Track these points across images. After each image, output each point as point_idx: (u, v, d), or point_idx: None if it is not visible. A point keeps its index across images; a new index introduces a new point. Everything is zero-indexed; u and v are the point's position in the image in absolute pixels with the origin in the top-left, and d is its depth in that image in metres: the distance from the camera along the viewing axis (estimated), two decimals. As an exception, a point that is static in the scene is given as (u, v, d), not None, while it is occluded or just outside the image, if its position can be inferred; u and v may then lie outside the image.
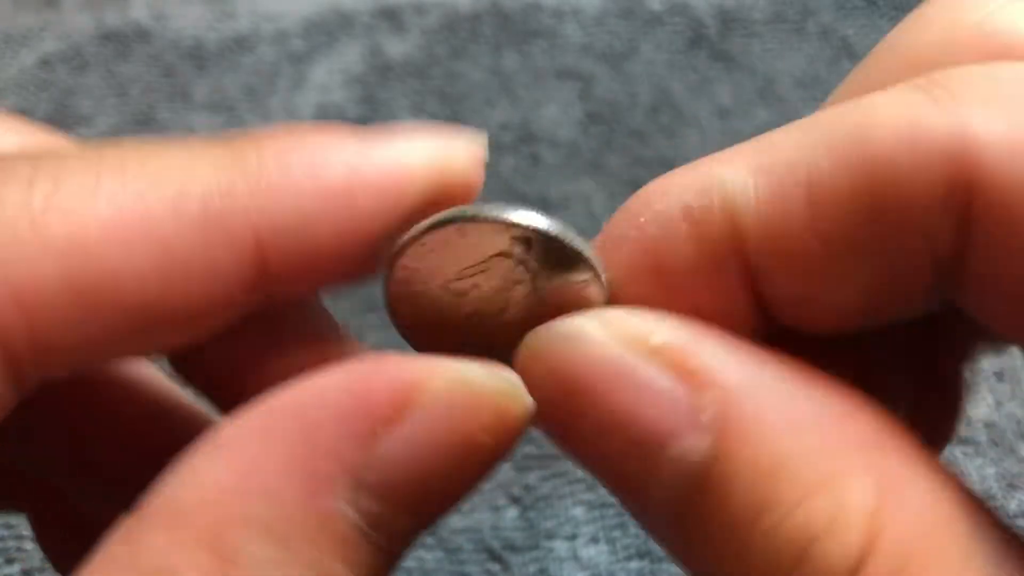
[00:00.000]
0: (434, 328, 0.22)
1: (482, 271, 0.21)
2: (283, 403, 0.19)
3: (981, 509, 0.18)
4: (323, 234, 0.20)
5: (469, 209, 0.21)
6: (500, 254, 0.21)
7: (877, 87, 0.20)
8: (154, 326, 0.19)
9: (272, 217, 0.20)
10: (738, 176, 0.20)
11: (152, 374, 0.28)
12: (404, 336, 0.23)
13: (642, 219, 0.21)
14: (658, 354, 0.18)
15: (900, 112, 0.18)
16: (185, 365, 0.25)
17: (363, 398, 0.19)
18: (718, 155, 0.21)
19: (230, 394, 0.25)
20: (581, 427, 0.19)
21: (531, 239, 0.21)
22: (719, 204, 0.20)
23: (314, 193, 0.20)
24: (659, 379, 0.18)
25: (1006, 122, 0.18)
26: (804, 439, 0.17)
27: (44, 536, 0.31)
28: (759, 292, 0.21)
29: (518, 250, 0.21)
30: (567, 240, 0.21)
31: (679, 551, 0.19)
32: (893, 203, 0.18)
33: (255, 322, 0.22)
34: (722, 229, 0.20)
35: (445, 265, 0.21)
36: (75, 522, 0.31)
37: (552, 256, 0.21)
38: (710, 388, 0.18)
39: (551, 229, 0.21)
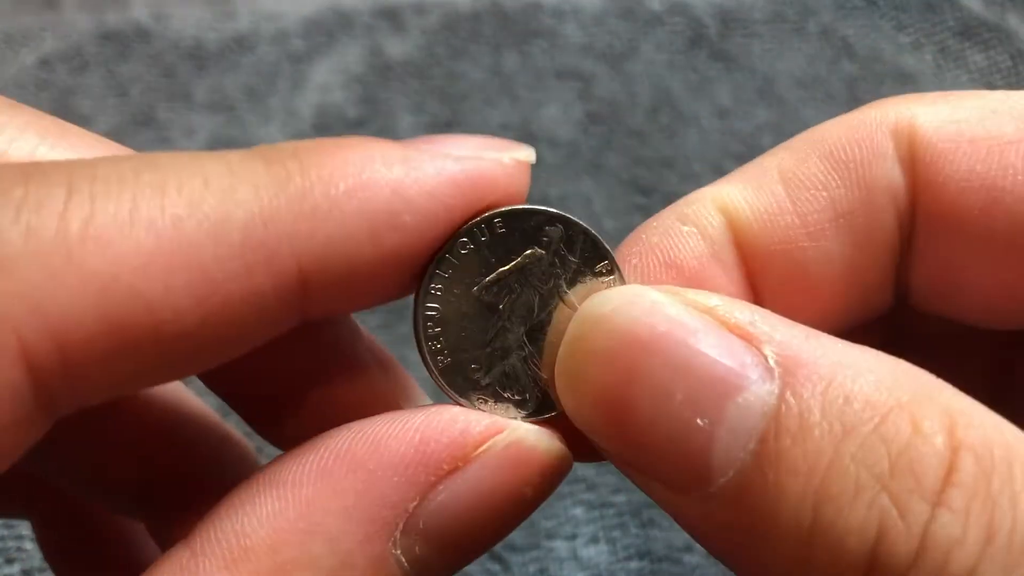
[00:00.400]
0: (458, 340, 0.22)
1: (517, 269, 0.22)
2: (343, 448, 0.20)
3: None
4: (367, 256, 0.20)
5: (508, 207, 0.22)
6: (536, 250, 0.22)
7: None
8: (190, 354, 0.19)
9: (316, 242, 0.19)
10: (726, 185, 0.24)
11: (175, 388, 0.28)
12: (427, 349, 0.22)
13: (643, 235, 0.24)
14: (714, 314, 0.19)
15: (844, 115, 0.24)
16: (210, 376, 0.25)
17: (424, 450, 0.20)
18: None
19: (255, 401, 0.25)
20: (644, 388, 0.19)
21: (572, 235, 0.22)
22: (712, 204, 0.24)
23: (359, 216, 0.19)
24: (719, 333, 0.19)
25: (930, 100, 0.24)
26: (865, 377, 0.18)
27: (44, 539, 0.31)
28: (756, 285, 0.24)
29: (555, 246, 0.22)
30: (599, 238, 0.22)
31: (736, 525, 0.19)
32: (852, 165, 0.23)
33: (287, 336, 0.21)
34: (719, 222, 0.23)
35: (481, 264, 0.22)
36: (75, 526, 0.31)
37: (586, 252, 0.22)
38: (768, 342, 0.19)
39: (588, 226, 0.22)
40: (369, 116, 0.67)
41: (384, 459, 0.19)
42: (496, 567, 0.45)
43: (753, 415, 0.18)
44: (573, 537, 0.46)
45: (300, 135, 0.66)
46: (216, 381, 0.25)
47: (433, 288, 0.22)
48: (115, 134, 0.68)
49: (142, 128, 0.67)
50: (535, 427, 0.21)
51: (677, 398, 0.19)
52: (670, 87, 0.69)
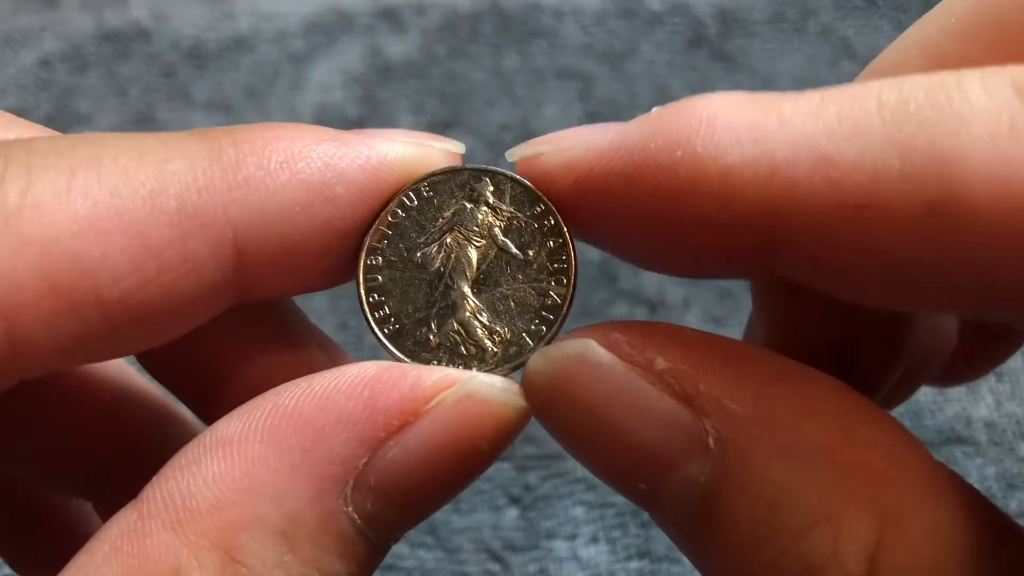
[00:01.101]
0: (402, 304, 0.22)
1: (450, 227, 0.22)
2: (289, 405, 0.19)
3: (987, 529, 0.17)
4: (301, 227, 0.20)
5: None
6: (464, 203, 0.23)
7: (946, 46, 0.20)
8: (132, 322, 0.19)
9: (250, 210, 0.20)
10: (796, 156, 0.17)
11: (117, 365, 0.28)
12: (373, 319, 0.23)
13: (678, 152, 0.19)
14: (662, 379, 0.19)
15: (996, 139, 0.16)
16: (154, 361, 0.25)
17: (372, 405, 0.19)
18: (786, 111, 0.18)
19: (201, 389, 0.25)
20: (591, 446, 0.20)
21: (500, 185, 0.22)
22: (764, 176, 0.18)
23: (292, 186, 0.20)
24: (663, 404, 0.18)
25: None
26: (805, 470, 0.17)
27: None
28: (769, 250, 0.19)
29: (485, 198, 0.22)
30: (528, 184, 0.22)
31: (691, 557, 0.20)
32: (963, 243, 0.16)
33: (229, 321, 0.22)
34: (758, 194, 0.18)
35: (414, 228, 0.22)
36: (17, 506, 0.30)
37: (518, 199, 0.22)
38: (712, 414, 0.18)
39: (514, 174, 0.22)
40: (369, 116, 0.67)
41: (332, 415, 0.19)
42: (496, 567, 0.45)
43: (691, 491, 0.18)
44: (573, 537, 0.45)
45: (300, 135, 0.66)
46: (157, 367, 0.25)
47: (371, 260, 0.22)
48: (115, 134, 0.68)
49: (142, 128, 0.67)
50: (489, 379, 0.20)
51: (621, 464, 0.19)
52: (670, 87, 0.69)
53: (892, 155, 0.16)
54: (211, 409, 0.25)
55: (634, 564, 0.45)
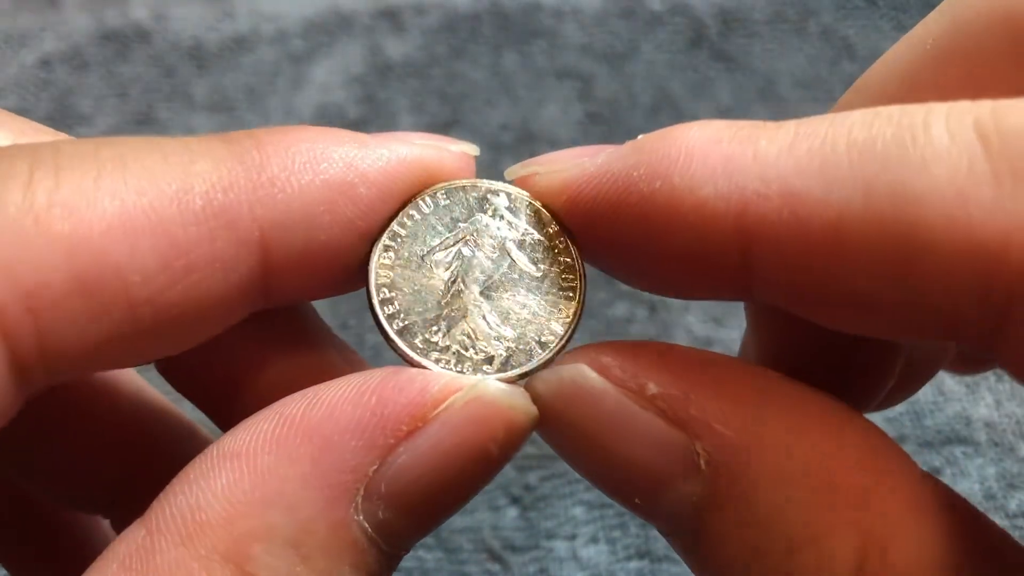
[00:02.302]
0: (412, 303, 0.23)
1: (464, 236, 0.23)
2: (296, 414, 0.19)
3: (974, 545, 0.18)
4: (325, 226, 0.20)
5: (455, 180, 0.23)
6: (481, 216, 0.23)
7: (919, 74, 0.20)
8: (160, 324, 0.19)
9: (275, 210, 0.20)
10: (766, 191, 0.18)
11: (134, 380, 0.28)
12: (382, 314, 0.23)
13: (658, 183, 0.19)
14: (653, 403, 0.19)
15: (954, 181, 0.16)
16: (173, 366, 0.25)
17: (380, 412, 0.19)
18: (761, 145, 0.18)
19: (220, 398, 0.25)
20: (587, 465, 0.20)
21: (516, 203, 0.23)
22: (736, 209, 0.18)
23: (315, 185, 0.20)
24: (655, 427, 0.19)
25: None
26: (792, 492, 0.18)
27: None
28: (745, 277, 0.19)
29: (500, 212, 0.23)
30: (542, 208, 0.23)
31: (689, 567, 0.20)
32: (922, 282, 0.16)
33: (250, 325, 0.22)
34: (730, 226, 0.18)
35: (429, 232, 0.23)
36: (28, 521, 0.30)
37: (532, 219, 0.23)
38: (703, 438, 0.19)
39: (531, 198, 0.23)
40: (369, 116, 0.67)
41: (341, 423, 0.19)
42: (496, 567, 0.45)
43: (684, 508, 0.19)
44: (573, 537, 0.45)
45: (300, 135, 0.66)
46: (175, 372, 0.25)
47: (384, 258, 0.22)
48: (115, 134, 0.68)
49: (142, 128, 0.67)
50: (496, 383, 0.20)
51: (617, 481, 0.20)
52: (670, 87, 0.69)
53: (857, 194, 0.17)
54: (230, 415, 0.25)
55: (634, 564, 0.45)
